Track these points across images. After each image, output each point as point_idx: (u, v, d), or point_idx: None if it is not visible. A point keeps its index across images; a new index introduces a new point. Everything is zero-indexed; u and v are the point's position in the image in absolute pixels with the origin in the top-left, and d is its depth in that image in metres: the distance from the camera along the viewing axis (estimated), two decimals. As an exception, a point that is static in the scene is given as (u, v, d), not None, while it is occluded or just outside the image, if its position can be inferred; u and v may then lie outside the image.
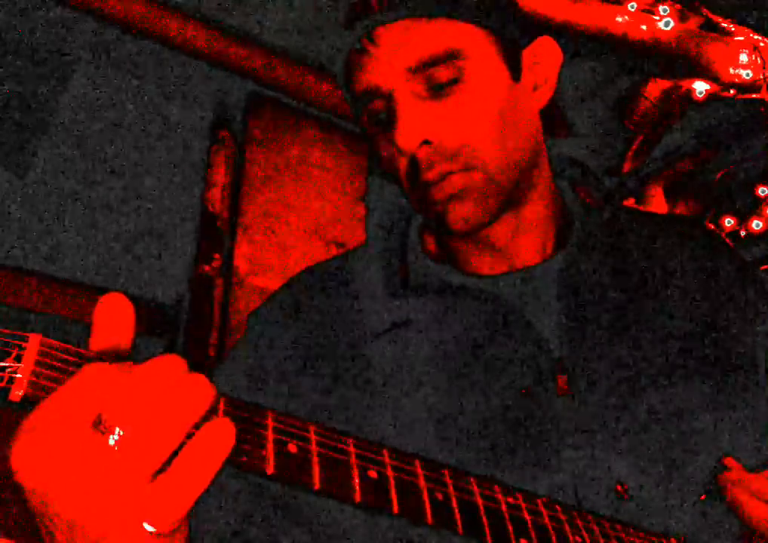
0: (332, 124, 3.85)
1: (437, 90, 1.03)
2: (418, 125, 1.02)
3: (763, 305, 1.14)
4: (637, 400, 1.01)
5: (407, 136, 1.01)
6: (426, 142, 1.03)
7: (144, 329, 3.45)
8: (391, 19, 1.03)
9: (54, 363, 0.64)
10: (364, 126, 1.11)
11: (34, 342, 0.64)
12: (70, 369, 0.64)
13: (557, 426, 0.99)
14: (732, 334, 1.09)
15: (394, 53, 1.02)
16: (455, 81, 1.02)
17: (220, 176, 3.53)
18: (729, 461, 0.97)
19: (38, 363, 0.63)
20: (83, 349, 0.66)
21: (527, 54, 1.10)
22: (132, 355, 0.68)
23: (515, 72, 1.08)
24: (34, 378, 0.62)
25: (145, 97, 3.45)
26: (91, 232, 3.31)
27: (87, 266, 3.28)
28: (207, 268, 3.40)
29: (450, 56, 1.02)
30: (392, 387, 1.04)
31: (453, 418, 1.00)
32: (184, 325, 3.38)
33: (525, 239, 1.13)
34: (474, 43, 1.03)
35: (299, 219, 3.64)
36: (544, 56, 1.12)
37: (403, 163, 1.06)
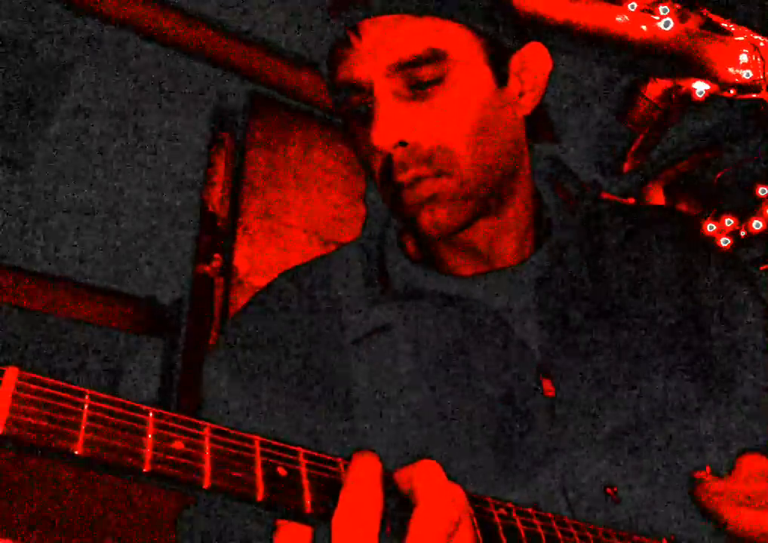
0: (332, 124, 3.85)
1: (418, 91, 1.00)
2: (395, 125, 1.00)
3: (743, 295, 1.14)
4: (621, 400, 1.01)
5: (383, 135, 0.99)
6: (402, 143, 1.01)
7: (144, 329, 3.45)
8: (377, 13, 1.00)
9: (35, 397, 0.59)
10: (342, 117, 1.08)
11: (11, 376, 0.59)
12: (49, 401, 0.59)
13: (543, 430, 0.98)
14: (713, 327, 1.09)
15: (378, 49, 1.00)
16: (437, 83, 1.00)
17: (220, 176, 3.53)
18: (699, 474, 0.97)
19: (15, 398, 0.58)
20: (60, 381, 0.62)
21: (516, 60, 1.07)
22: None
23: (501, 77, 1.05)
24: (12, 416, 0.58)
25: (146, 97, 3.45)
26: (91, 232, 3.31)
27: (87, 266, 3.28)
28: (207, 268, 3.40)
29: (434, 57, 0.99)
30: (374, 393, 1.03)
31: (436, 426, 1.00)
32: (184, 325, 3.38)
33: (504, 242, 1.11)
34: (461, 45, 1.01)
35: (299, 219, 3.64)
36: (533, 63, 1.09)
37: (378, 161, 1.04)
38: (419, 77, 1.00)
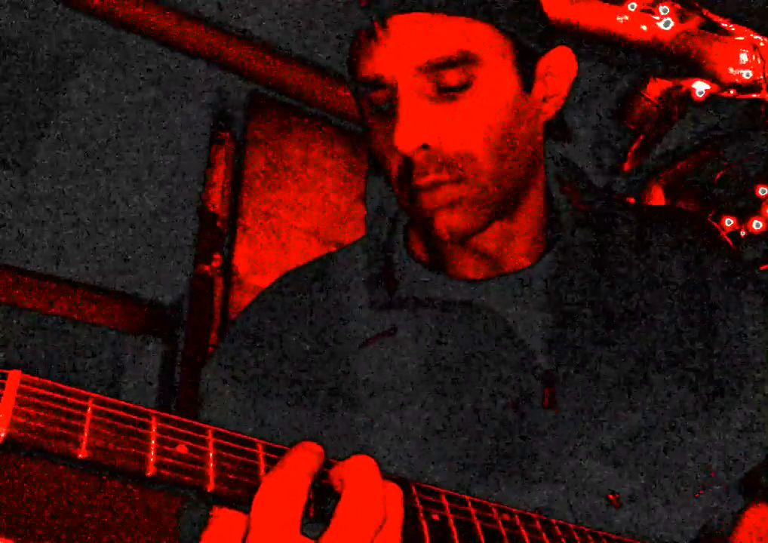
0: (332, 124, 3.85)
1: (444, 93, 0.98)
2: (419, 128, 0.98)
3: (755, 304, 1.13)
4: (625, 409, 1.00)
5: (407, 137, 0.98)
6: (425, 146, 0.99)
7: (144, 330, 3.45)
8: (408, 8, 0.97)
9: (38, 401, 0.60)
10: (362, 111, 1.06)
11: (14, 380, 0.60)
12: (52, 405, 0.60)
13: (545, 439, 0.98)
14: (722, 338, 1.07)
15: (406, 47, 0.97)
16: (464, 87, 0.98)
17: (220, 176, 3.53)
18: None
19: (18, 401, 0.59)
20: (64, 385, 0.62)
21: (542, 64, 1.05)
22: None
23: (527, 81, 1.03)
24: (15, 419, 0.59)
25: (145, 97, 3.45)
26: (91, 232, 3.31)
27: (87, 266, 3.28)
28: (207, 268, 3.40)
29: (464, 60, 0.97)
30: (378, 399, 1.02)
31: (440, 432, 0.99)
32: (184, 325, 3.38)
33: (516, 245, 1.10)
34: (491, 49, 0.99)
35: (299, 219, 3.64)
36: (559, 68, 1.06)
37: (396, 161, 1.02)
38: (448, 79, 0.98)
